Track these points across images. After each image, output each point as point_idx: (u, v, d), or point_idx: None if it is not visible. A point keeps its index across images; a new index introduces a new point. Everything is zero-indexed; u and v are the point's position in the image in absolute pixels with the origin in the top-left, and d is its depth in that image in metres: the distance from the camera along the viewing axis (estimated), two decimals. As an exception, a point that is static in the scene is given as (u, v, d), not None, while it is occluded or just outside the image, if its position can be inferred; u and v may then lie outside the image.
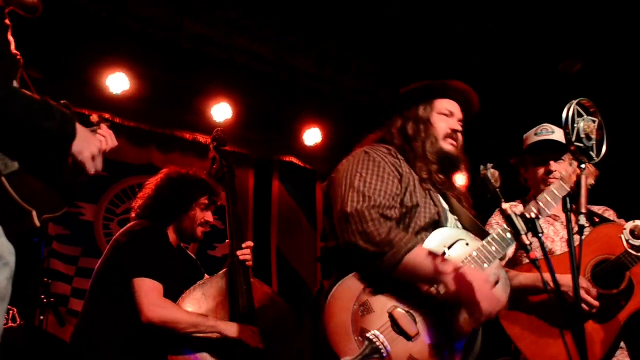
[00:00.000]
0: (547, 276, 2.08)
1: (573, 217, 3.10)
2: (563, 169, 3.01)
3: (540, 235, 1.89)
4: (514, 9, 5.08)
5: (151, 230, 3.20)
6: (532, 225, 1.92)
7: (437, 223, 2.43)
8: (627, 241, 2.71)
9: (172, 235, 3.31)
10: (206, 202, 3.38)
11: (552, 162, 3.15)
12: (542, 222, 2.97)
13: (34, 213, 1.65)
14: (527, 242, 1.86)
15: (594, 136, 2.08)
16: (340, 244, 2.29)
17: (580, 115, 2.08)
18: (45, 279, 4.00)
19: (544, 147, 3.18)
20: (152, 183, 3.40)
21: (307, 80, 6.08)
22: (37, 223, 1.61)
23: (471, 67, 5.37)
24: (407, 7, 5.09)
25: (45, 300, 3.86)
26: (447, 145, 2.60)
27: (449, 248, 2.37)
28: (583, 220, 2.03)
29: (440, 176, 2.56)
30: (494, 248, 2.38)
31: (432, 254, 2.21)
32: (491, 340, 2.60)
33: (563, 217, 3.22)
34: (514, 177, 3.34)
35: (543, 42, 5.41)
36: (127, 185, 6.21)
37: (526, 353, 2.88)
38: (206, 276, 3.48)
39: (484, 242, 2.40)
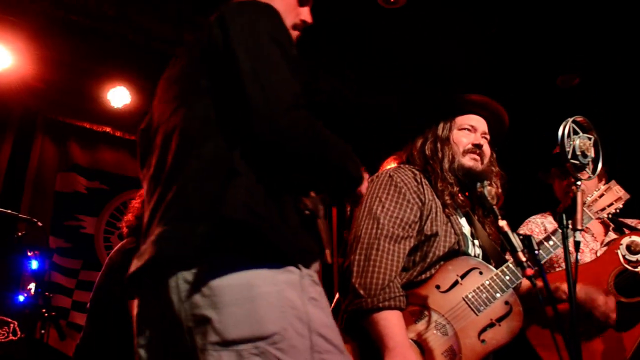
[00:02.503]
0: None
1: (601, 230, 3.15)
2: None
3: (536, 252, 1.90)
4: (510, 24, 5.11)
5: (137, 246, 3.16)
6: (527, 242, 1.93)
7: (456, 252, 2.42)
8: (624, 256, 2.72)
9: None
10: None
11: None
12: None
13: (327, 251, 1.65)
14: (523, 259, 1.88)
15: (589, 153, 2.10)
16: (344, 263, 2.32)
17: (575, 133, 2.10)
18: (47, 293, 4.01)
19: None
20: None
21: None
22: (330, 259, 1.61)
23: (470, 77, 5.40)
24: (405, 12, 5.12)
25: (46, 314, 3.87)
26: (468, 161, 2.54)
27: (462, 277, 2.37)
28: (579, 236, 2.04)
29: (462, 198, 2.53)
30: (507, 277, 2.38)
31: (399, 325, 2.19)
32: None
33: (593, 230, 3.26)
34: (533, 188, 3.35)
35: (541, 56, 5.43)
36: (127, 198, 6.20)
37: None
38: None
39: (498, 271, 2.39)
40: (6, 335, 4.04)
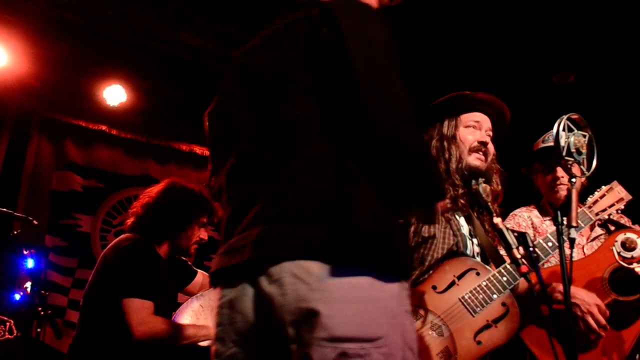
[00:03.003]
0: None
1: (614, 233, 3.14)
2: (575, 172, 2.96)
3: (530, 249, 1.91)
4: (506, 22, 5.12)
5: (137, 246, 3.13)
6: (523, 239, 1.94)
7: (455, 253, 2.43)
8: (619, 253, 2.72)
9: (164, 249, 3.26)
10: (205, 220, 3.32)
11: (558, 168, 3.16)
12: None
13: None
14: (518, 256, 1.88)
15: (584, 150, 2.10)
16: None
17: (570, 130, 2.10)
18: (43, 291, 4.01)
19: (550, 153, 3.17)
20: (150, 195, 3.32)
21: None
22: None
23: (466, 75, 5.40)
24: (401, 10, 5.11)
25: (42, 313, 3.86)
26: (474, 161, 2.55)
27: (459, 278, 2.37)
28: (574, 233, 2.04)
29: (463, 201, 2.51)
30: (505, 278, 2.38)
31: None
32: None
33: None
34: (521, 183, 3.35)
35: (537, 54, 5.44)
36: (123, 196, 6.23)
37: None
38: (203, 275, 3.53)
39: (496, 272, 2.39)
40: (2, 334, 4.04)
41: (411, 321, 1.44)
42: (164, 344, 2.91)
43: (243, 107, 1.61)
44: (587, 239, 3.19)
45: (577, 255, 3.13)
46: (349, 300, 1.33)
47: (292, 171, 1.44)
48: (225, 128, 1.68)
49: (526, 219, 3.26)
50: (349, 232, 1.35)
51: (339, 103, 1.44)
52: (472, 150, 2.56)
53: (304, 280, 1.34)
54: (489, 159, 2.60)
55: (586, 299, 2.72)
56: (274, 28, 1.61)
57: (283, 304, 1.36)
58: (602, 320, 2.69)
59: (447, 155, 2.55)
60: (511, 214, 3.31)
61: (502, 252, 2.39)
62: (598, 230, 3.19)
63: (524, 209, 3.34)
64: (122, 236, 3.25)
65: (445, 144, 2.57)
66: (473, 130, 2.60)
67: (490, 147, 2.61)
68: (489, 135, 2.63)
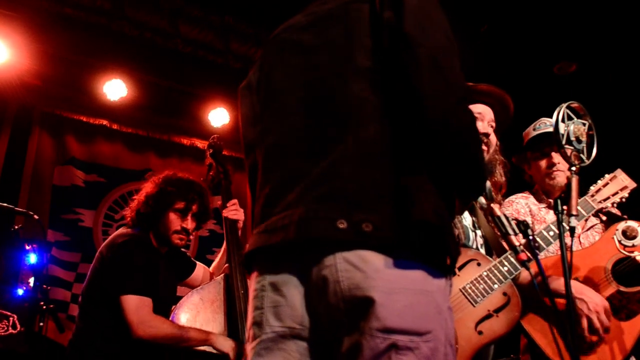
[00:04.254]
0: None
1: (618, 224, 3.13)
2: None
3: (530, 237, 1.90)
4: (509, 11, 5.10)
5: (133, 241, 3.10)
6: (524, 227, 1.92)
7: None
8: (620, 242, 2.70)
9: (154, 240, 3.23)
10: (182, 207, 3.20)
11: (553, 154, 3.13)
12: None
13: None
14: (517, 244, 1.87)
15: (584, 139, 2.09)
16: None
17: (570, 118, 2.09)
18: (45, 286, 4.02)
19: (543, 140, 3.17)
20: (145, 187, 3.31)
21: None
22: None
23: (467, 65, 5.39)
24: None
25: (44, 307, 3.87)
26: None
27: (460, 268, 2.36)
28: (574, 222, 2.03)
29: None
30: (506, 268, 2.37)
31: None
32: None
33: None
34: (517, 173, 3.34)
35: (538, 44, 5.42)
36: (125, 191, 6.23)
37: (550, 354, 2.86)
38: (203, 268, 3.52)
39: (497, 262, 2.38)
40: (6, 328, 4.05)
41: (452, 318, 1.42)
42: (163, 345, 2.90)
43: (289, 83, 1.58)
44: (583, 229, 3.17)
45: (574, 245, 3.11)
46: (404, 292, 1.32)
47: (344, 152, 1.40)
48: (264, 104, 1.64)
49: (524, 205, 3.24)
50: (411, 224, 1.33)
51: (399, 87, 1.42)
52: None
53: (359, 267, 1.32)
54: (491, 150, 2.59)
55: (595, 298, 2.69)
56: (326, 7, 1.58)
57: (336, 290, 1.33)
58: (607, 322, 2.67)
59: None
60: (507, 200, 3.26)
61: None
62: (593, 220, 3.17)
63: (519, 195, 3.31)
64: (118, 231, 3.24)
65: None
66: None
67: (492, 139, 2.60)
68: (492, 126, 2.62)
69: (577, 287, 2.71)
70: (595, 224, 3.14)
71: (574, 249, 3.02)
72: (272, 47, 1.70)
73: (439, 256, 1.39)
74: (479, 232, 2.54)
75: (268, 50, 1.71)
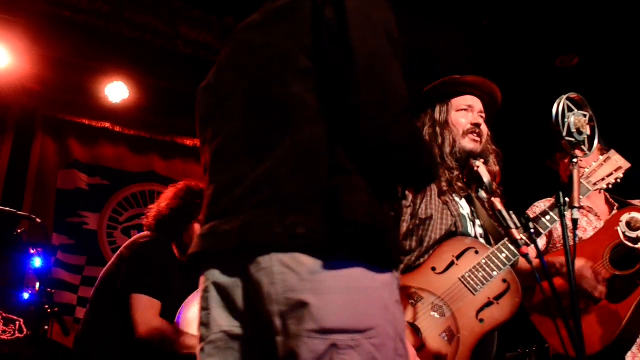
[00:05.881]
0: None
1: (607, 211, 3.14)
2: (592, 160, 2.85)
3: (531, 230, 1.89)
4: (510, 3, 5.08)
5: (154, 244, 3.15)
6: (524, 220, 1.92)
7: (454, 234, 2.41)
8: (624, 233, 2.70)
9: (175, 249, 3.28)
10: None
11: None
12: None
13: None
14: (518, 237, 1.86)
15: (584, 130, 2.08)
16: None
17: (570, 110, 2.08)
18: (49, 289, 4.03)
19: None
20: (167, 193, 3.35)
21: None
22: None
23: (468, 59, 5.38)
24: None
25: (49, 310, 3.88)
26: (469, 143, 2.53)
27: (458, 257, 2.36)
28: (577, 214, 2.02)
29: (460, 184, 2.50)
30: (504, 255, 2.36)
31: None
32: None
33: (598, 209, 3.24)
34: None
35: (539, 37, 5.40)
36: (129, 193, 6.24)
37: (555, 344, 2.87)
38: None
39: (494, 249, 2.37)
40: (12, 333, 4.07)
41: (401, 312, 1.41)
42: (164, 349, 2.92)
43: (237, 84, 1.57)
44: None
45: (586, 236, 3.11)
46: (340, 291, 1.31)
47: (281, 155, 1.40)
48: (216, 104, 1.63)
49: (542, 208, 3.24)
50: (341, 223, 1.32)
51: (336, 89, 1.40)
52: (466, 133, 2.55)
53: (294, 270, 1.32)
54: (484, 140, 2.59)
55: (577, 266, 2.72)
56: (276, 4, 1.55)
57: (271, 293, 1.33)
58: (599, 282, 2.75)
59: (440, 140, 2.54)
60: (532, 205, 3.29)
61: None
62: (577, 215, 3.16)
63: (543, 200, 3.32)
64: (141, 233, 3.28)
65: (438, 129, 2.56)
66: (465, 113, 2.59)
67: (484, 129, 2.60)
68: (482, 117, 2.63)
69: (561, 261, 2.73)
70: (613, 214, 3.14)
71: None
72: (227, 47, 1.69)
73: (377, 253, 1.37)
74: (477, 222, 2.54)
75: (225, 50, 1.70)
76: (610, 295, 2.82)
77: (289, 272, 1.32)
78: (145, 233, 3.26)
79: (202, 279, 1.52)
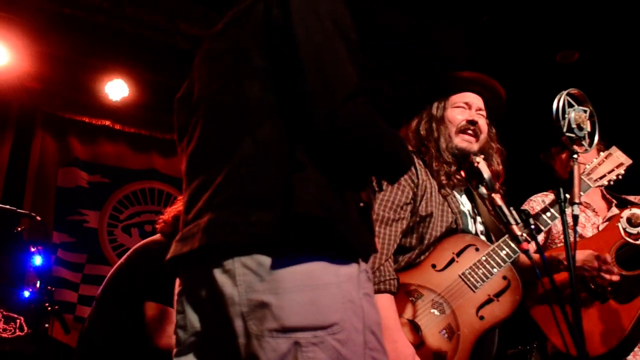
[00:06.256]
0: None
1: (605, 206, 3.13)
2: (591, 157, 2.84)
3: (532, 227, 1.89)
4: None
5: (167, 250, 3.12)
6: (525, 216, 1.91)
7: (454, 231, 2.41)
8: (624, 229, 2.69)
9: None
10: None
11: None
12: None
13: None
14: (518, 233, 1.86)
15: (585, 126, 2.07)
16: None
17: (570, 106, 2.07)
18: (49, 287, 4.03)
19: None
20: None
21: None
22: None
23: (468, 55, 5.37)
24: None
25: (49, 308, 3.89)
26: (461, 142, 2.52)
27: (458, 254, 2.36)
28: (577, 210, 2.02)
29: (459, 177, 2.49)
30: (504, 252, 2.36)
31: (388, 308, 2.16)
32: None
33: (595, 205, 3.23)
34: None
35: (540, 32, 5.39)
36: (129, 191, 6.24)
37: (557, 343, 2.86)
38: None
39: (495, 246, 2.37)
40: (13, 331, 4.07)
41: (372, 303, 1.41)
42: None
43: (202, 92, 1.59)
44: (604, 219, 3.16)
45: (590, 234, 3.10)
46: (299, 289, 1.31)
47: (241, 156, 1.41)
48: (188, 114, 1.65)
49: (540, 202, 3.23)
50: (292, 218, 1.32)
51: (289, 85, 1.42)
52: (460, 130, 2.53)
53: (254, 271, 1.32)
54: (481, 137, 2.57)
55: (587, 257, 2.71)
56: (233, 11, 1.58)
57: (234, 295, 1.34)
58: (611, 271, 2.70)
59: (435, 135, 2.53)
60: (527, 199, 3.28)
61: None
62: (615, 211, 3.15)
63: (540, 194, 3.30)
64: (153, 237, 3.24)
65: (434, 124, 2.55)
66: (462, 110, 2.57)
67: (482, 126, 2.57)
68: (482, 115, 2.60)
69: (564, 256, 2.69)
70: (616, 214, 3.13)
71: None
72: (197, 57, 1.71)
73: (335, 246, 1.36)
74: (478, 219, 2.53)
75: (195, 61, 1.72)
76: (617, 296, 2.81)
77: (250, 273, 1.33)
78: (157, 237, 3.23)
79: (177, 283, 1.55)
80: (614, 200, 3.21)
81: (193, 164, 1.56)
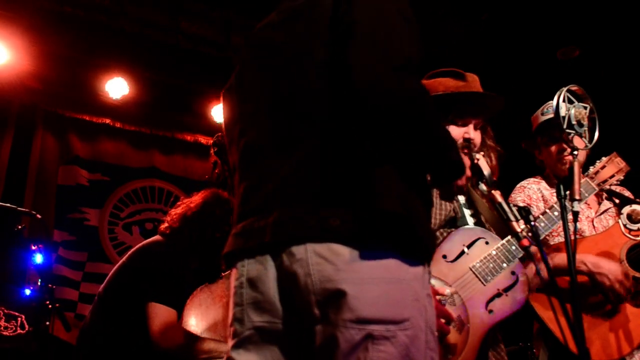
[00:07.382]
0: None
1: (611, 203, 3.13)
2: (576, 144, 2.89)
3: (532, 224, 1.88)
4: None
5: (171, 252, 3.11)
6: (525, 213, 1.91)
7: (453, 219, 2.41)
8: (625, 226, 2.69)
9: (195, 259, 3.23)
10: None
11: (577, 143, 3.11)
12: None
13: None
14: (518, 229, 1.86)
15: (585, 122, 2.07)
16: None
17: (570, 102, 2.07)
18: (50, 285, 4.03)
19: (553, 124, 3.10)
20: (190, 206, 3.26)
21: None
22: None
23: (470, 51, 5.36)
24: None
25: (50, 306, 3.89)
26: None
27: (468, 247, 2.36)
28: (577, 206, 2.01)
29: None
30: (514, 247, 2.35)
31: None
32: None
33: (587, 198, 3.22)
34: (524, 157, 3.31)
35: (540, 29, 5.39)
36: (130, 189, 6.24)
37: (558, 335, 2.86)
38: None
39: (504, 241, 2.37)
40: (14, 329, 4.08)
41: (432, 304, 1.41)
42: (183, 357, 2.91)
43: (262, 83, 1.58)
44: (596, 213, 3.15)
45: (587, 229, 3.09)
46: (376, 282, 1.31)
47: (308, 149, 1.41)
48: (241, 105, 1.65)
49: (536, 191, 3.20)
50: (376, 214, 1.33)
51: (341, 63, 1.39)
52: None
53: (329, 260, 1.32)
54: (476, 149, 2.49)
55: (612, 267, 2.71)
56: (296, 3, 1.57)
57: (307, 284, 1.33)
58: (628, 285, 2.70)
59: None
60: (519, 186, 3.23)
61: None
62: (607, 204, 3.15)
63: (531, 180, 3.27)
64: (155, 238, 3.23)
65: None
66: (457, 128, 2.48)
67: (477, 141, 2.49)
68: (479, 124, 2.52)
69: (593, 262, 2.73)
70: (609, 208, 3.13)
71: (587, 233, 3.03)
72: (247, 47, 1.71)
73: (410, 245, 1.37)
74: (467, 212, 2.52)
75: (245, 51, 1.72)
76: (632, 299, 2.78)
77: (324, 262, 1.33)
78: (159, 238, 3.22)
79: (234, 276, 1.52)
80: (603, 193, 3.20)
81: (251, 154, 1.56)
